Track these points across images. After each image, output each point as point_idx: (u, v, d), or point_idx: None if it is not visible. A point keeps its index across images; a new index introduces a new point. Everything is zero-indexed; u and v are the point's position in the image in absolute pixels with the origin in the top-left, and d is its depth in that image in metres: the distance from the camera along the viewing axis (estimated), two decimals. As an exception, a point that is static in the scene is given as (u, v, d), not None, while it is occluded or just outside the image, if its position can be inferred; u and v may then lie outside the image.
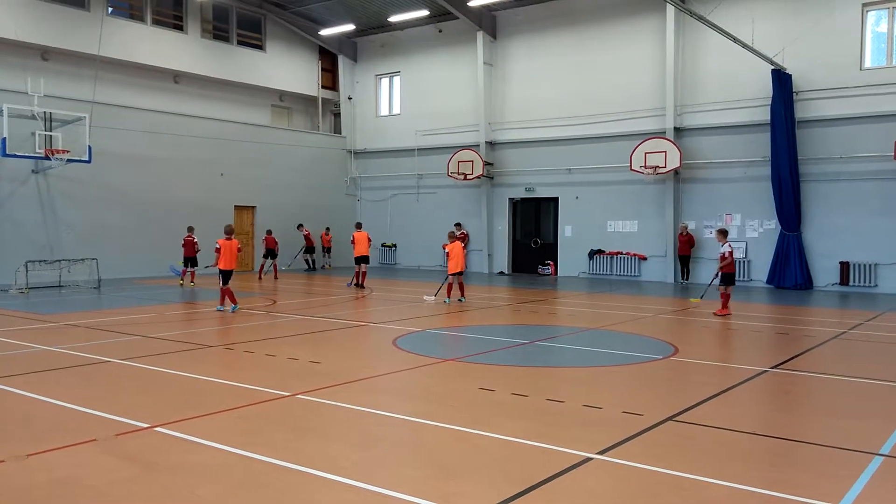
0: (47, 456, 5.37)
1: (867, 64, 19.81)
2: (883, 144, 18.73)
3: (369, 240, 20.42)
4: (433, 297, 16.48)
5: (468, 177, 25.90)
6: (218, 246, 14.19)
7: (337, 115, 31.16)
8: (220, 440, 5.75)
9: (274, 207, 26.36)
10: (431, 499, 4.59)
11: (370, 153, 29.86)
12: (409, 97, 28.75)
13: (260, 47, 28.23)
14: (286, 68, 29.03)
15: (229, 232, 14.56)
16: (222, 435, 5.91)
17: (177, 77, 25.69)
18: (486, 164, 25.85)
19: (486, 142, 26.14)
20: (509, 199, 26.30)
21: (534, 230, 26.45)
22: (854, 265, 19.67)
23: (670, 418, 6.58)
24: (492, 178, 26.23)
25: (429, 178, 27.87)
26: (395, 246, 29.14)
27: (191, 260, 20.12)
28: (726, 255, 14.09)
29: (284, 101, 29.74)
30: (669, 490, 4.87)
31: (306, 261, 26.67)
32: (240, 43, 27.50)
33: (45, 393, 7.36)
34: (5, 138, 17.81)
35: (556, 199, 25.20)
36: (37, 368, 8.73)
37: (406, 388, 8.25)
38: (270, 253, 23.41)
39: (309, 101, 30.50)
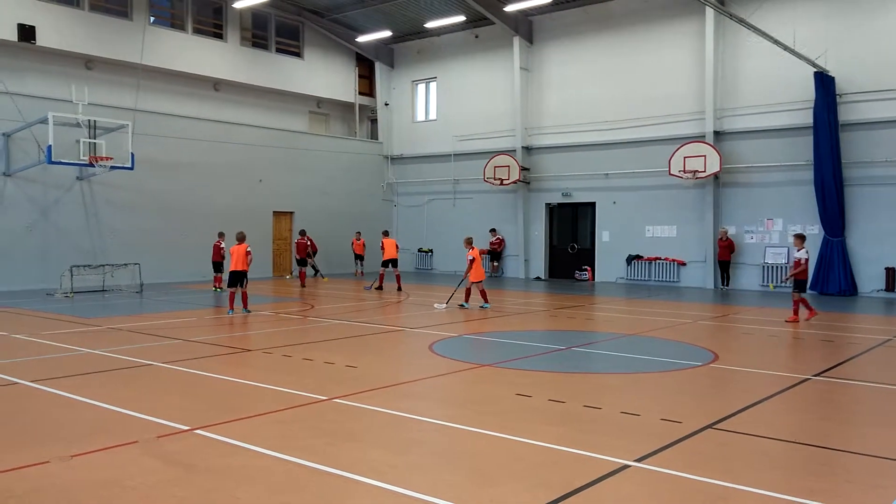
0: (91, 457, 5.51)
1: (914, 64, 19.28)
2: (932, 147, 18.22)
3: (397, 246, 21.75)
4: (444, 305, 16.18)
5: (504, 182, 25.85)
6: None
7: (374, 121, 31.41)
8: (259, 443, 5.82)
9: (312, 213, 26.65)
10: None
11: (406, 159, 30.02)
12: (446, 103, 28.84)
13: (298, 54, 28.61)
14: (324, 75, 29.37)
15: (240, 238, 15.19)
16: (261, 438, 5.99)
17: (217, 85, 26.17)
18: (523, 169, 25.79)
19: (523, 147, 26.07)
20: (546, 204, 26.18)
21: (571, 235, 26.28)
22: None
23: (710, 426, 6.48)
24: (528, 183, 26.15)
25: (465, 183, 27.90)
26: (431, 251, 29.22)
27: (217, 265, 20.43)
28: (802, 261, 13.71)
29: (322, 107, 30.07)
30: (707, 499, 4.80)
31: (312, 266, 24.21)
32: (278, 50, 27.91)
33: (89, 395, 7.55)
34: (51, 146, 18.33)
35: (593, 204, 25.01)
36: (81, 371, 8.96)
37: (443, 393, 8.26)
38: (301, 261, 22.64)
39: (346, 107, 30.79)
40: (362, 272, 25.84)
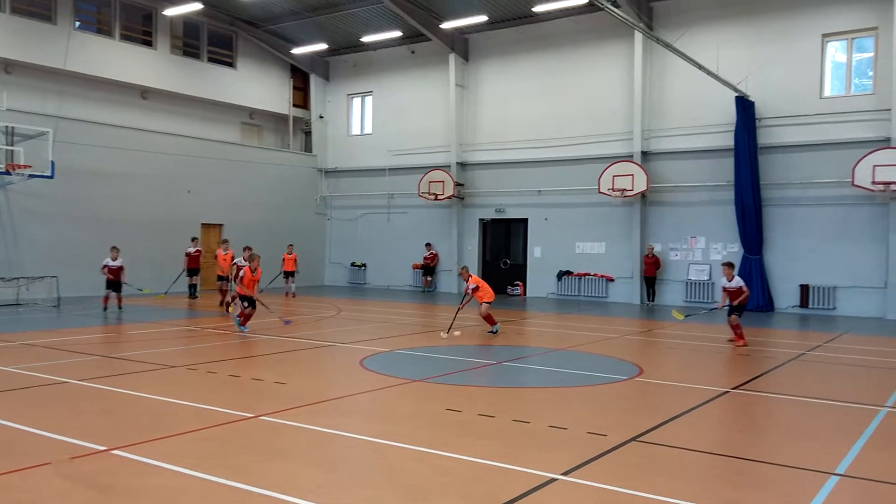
0: (0, 480, 5.22)
1: (826, 93, 20.39)
2: (841, 171, 19.24)
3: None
4: (445, 334, 13.93)
5: (439, 197, 25.98)
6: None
7: (308, 133, 31.10)
8: (181, 463, 5.64)
9: (242, 225, 26.09)
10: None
11: (341, 172, 29.82)
12: (381, 117, 28.84)
13: (231, 64, 28.13)
14: (257, 86, 28.95)
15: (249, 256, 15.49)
16: (183, 458, 5.80)
17: (144, 93, 25.45)
18: (457, 184, 25.98)
19: (458, 162, 26.29)
20: (479, 219, 26.43)
21: (504, 251, 26.59)
22: (813, 288, 20.10)
23: (634, 439, 6.63)
24: (462, 198, 26.36)
25: (400, 197, 27.90)
26: (364, 266, 29.05)
27: (192, 271, 21.64)
28: (744, 287, 13.25)
29: (255, 118, 29.61)
30: (631, 511, 4.91)
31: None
32: (210, 60, 27.38)
33: None
34: (-34, 152, 17.45)
35: (525, 220, 25.39)
36: (-8, 388, 8.49)
37: (372, 409, 8.20)
38: (221, 277, 19.43)
39: (280, 119, 30.41)
40: (294, 293, 22.80)
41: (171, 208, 24.28)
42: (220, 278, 19.33)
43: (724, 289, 13.41)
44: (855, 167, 18.80)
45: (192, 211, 24.94)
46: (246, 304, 14.19)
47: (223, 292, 18.92)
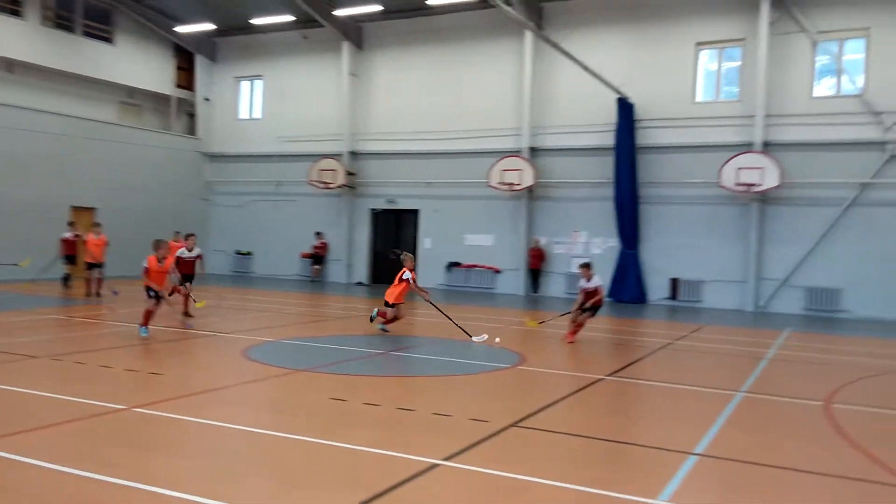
0: None
1: (699, 98, 21.74)
2: (711, 172, 20.59)
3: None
4: (483, 337, 12.49)
5: (330, 186, 25.68)
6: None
7: (192, 116, 29.86)
8: (48, 458, 5.34)
9: (118, 210, 24.71)
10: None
11: (228, 157, 28.85)
12: (271, 102, 28.12)
13: (109, 40, 26.54)
14: (137, 64, 27.47)
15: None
16: (49, 452, 5.50)
17: (11, 66, 23.61)
18: (349, 173, 25.77)
19: (349, 151, 26.06)
20: (370, 209, 26.35)
21: (394, 241, 26.64)
22: (683, 281, 21.46)
23: (514, 424, 6.88)
24: (354, 188, 26.18)
25: (289, 185, 27.34)
26: (250, 254, 28.30)
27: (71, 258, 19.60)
28: (601, 289, 12.79)
29: (134, 98, 28.10)
30: (509, 492, 5.13)
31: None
32: (86, 34, 25.72)
33: None
34: None
35: (416, 212, 25.55)
36: None
37: (254, 399, 8.06)
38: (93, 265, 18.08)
39: (161, 99, 29.00)
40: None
41: (41, 190, 22.68)
42: (91, 266, 18.01)
43: (583, 290, 12.73)
44: (721, 169, 20.18)
45: (61, 193, 23.40)
46: (153, 296, 11.54)
47: (90, 281, 17.77)
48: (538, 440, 6.52)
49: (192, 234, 15.17)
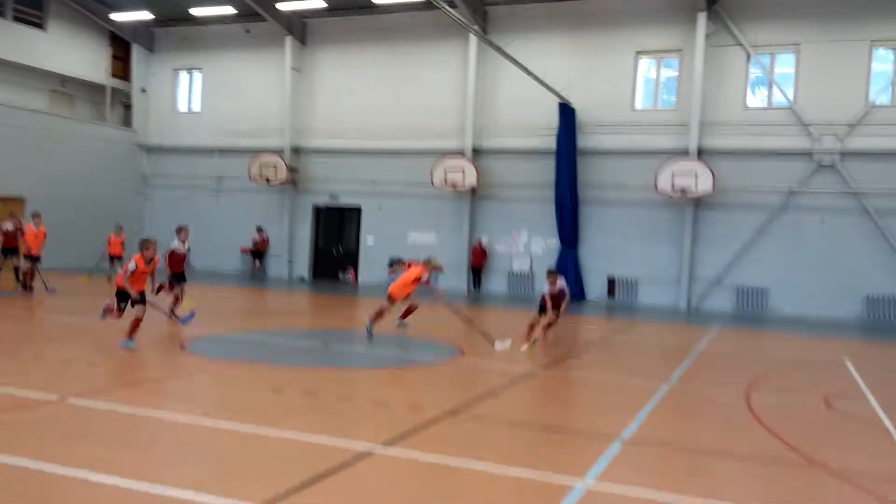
0: None
1: (638, 105, 22.39)
2: (648, 177, 21.22)
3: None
4: (507, 342, 11.62)
5: (271, 182, 25.42)
6: None
7: (128, 107, 29.08)
8: (-27, 446, 5.24)
9: (48, 201, 23.77)
10: (211, 493, 4.57)
11: (165, 150, 28.21)
12: (212, 95, 27.63)
13: (40, 26, 25.65)
14: (70, 51, 26.62)
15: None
16: (-24, 440, 5.39)
17: (-66, 48, 22.61)
18: (291, 169, 25.55)
19: (292, 147, 25.84)
20: (313, 205, 26.18)
21: (337, 238, 26.56)
22: (620, 280, 22.07)
23: (450, 413, 7.04)
24: (296, 184, 25.97)
25: (230, 180, 26.92)
26: (189, 249, 27.65)
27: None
28: (566, 291, 12.73)
29: (67, 87, 27.21)
30: (443, 476, 5.29)
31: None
32: (17, 19, 24.80)
33: None
34: None
35: (359, 209, 25.52)
36: None
37: (191, 390, 8.01)
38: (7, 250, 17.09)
39: (96, 89, 28.15)
40: (112, 275, 19.10)
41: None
42: (29, 258, 17.06)
43: (546, 295, 12.45)
44: (658, 174, 20.85)
45: (-11, 183, 22.52)
46: (124, 303, 10.01)
47: (26, 274, 16.94)
48: (473, 428, 6.70)
49: (185, 227, 14.19)
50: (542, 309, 12.40)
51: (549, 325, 12.54)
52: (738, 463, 6.06)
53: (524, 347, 11.42)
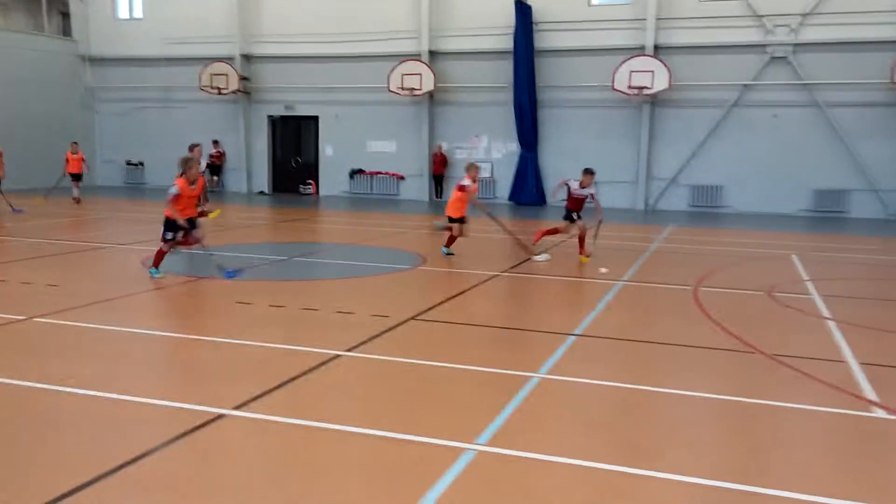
0: None
1: (594, 1, 21.98)
2: (605, 75, 21.13)
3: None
4: (546, 255, 11.69)
5: (223, 91, 24.69)
6: None
7: (66, 15, 27.57)
8: (-56, 368, 5.35)
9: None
10: (182, 400, 4.79)
11: (109, 61, 27.02)
12: (154, 0, 26.31)
13: (-39, -73, 23.87)
14: (-2, -44, 24.95)
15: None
16: (-54, 363, 5.50)
17: None
18: (243, 78, 24.80)
19: (242, 55, 24.98)
20: (268, 116, 25.62)
21: (295, 149, 26.18)
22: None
23: (414, 318, 7.32)
24: (249, 93, 25.28)
25: (179, 91, 26.05)
26: (141, 164, 27.12)
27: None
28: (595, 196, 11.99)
29: (-2, -6, 25.67)
30: (404, 372, 5.60)
31: None
32: (-67, -81, 23.02)
33: None
34: None
35: (316, 118, 25.07)
36: None
37: (157, 306, 8.13)
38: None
39: (30, -4, 26.61)
40: (79, 199, 19.25)
41: None
42: None
43: (577, 196, 11.72)
44: (615, 72, 20.77)
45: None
46: (173, 234, 9.13)
47: None
48: (436, 330, 6.99)
49: (198, 144, 13.82)
50: (571, 216, 11.53)
51: (582, 237, 11.58)
52: (683, 352, 6.48)
53: (540, 257, 11.14)
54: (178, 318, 7.45)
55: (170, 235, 9.11)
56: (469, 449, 4.16)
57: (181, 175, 9.19)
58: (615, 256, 12.28)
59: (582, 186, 11.69)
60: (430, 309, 7.76)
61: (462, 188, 11.39)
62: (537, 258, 11.20)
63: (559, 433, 4.53)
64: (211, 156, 25.53)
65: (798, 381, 5.64)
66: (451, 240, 11.64)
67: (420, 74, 22.58)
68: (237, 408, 4.70)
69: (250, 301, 7.95)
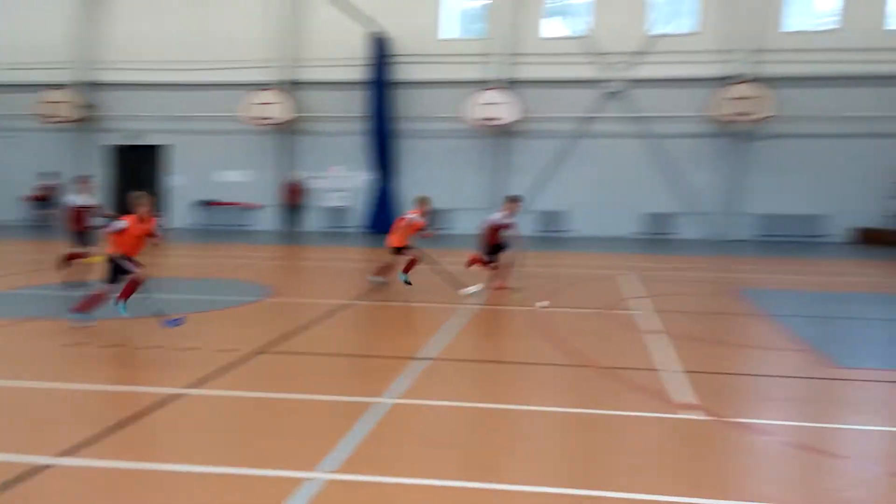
0: None
1: (446, 35, 22.75)
2: (458, 107, 21.84)
3: None
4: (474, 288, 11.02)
5: (62, 120, 23.07)
6: None
7: None
8: None
9: None
10: (8, 451, 4.40)
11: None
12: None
13: None
14: None
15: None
16: None
17: None
18: (85, 106, 23.33)
19: (85, 81, 23.55)
20: (111, 146, 24.22)
21: (136, 180, 24.81)
22: (437, 211, 22.76)
23: (261, 351, 7.13)
24: (91, 121, 23.80)
25: (9, 119, 24.05)
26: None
27: None
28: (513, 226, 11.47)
29: None
30: (249, 407, 5.46)
31: None
32: None
33: None
34: None
35: (164, 147, 23.99)
36: None
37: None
38: None
39: None
40: None
41: None
42: None
43: (498, 226, 11.29)
44: (466, 105, 21.53)
45: None
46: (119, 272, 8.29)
47: None
48: (285, 362, 6.86)
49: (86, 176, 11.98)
50: (496, 249, 11.16)
51: (497, 266, 11.21)
52: (527, 369, 6.75)
53: (470, 289, 10.63)
54: (2, 363, 6.82)
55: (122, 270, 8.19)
56: (315, 478, 4.11)
57: (134, 213, 8.26)
58: (464, 281, 12.60)
59: (505, 216, 11.26)
60: (279, 340, 7.60)
61: (408, 221, 11.11)
62: (468, 290, 10.69)
63: (410, 456, 4.57)
64: (40, 188, 23.68)
65: (630, 390, 6.04)
66: (409, 266, 11.32)
67: (276, 103, 22.28)
68: (62, 455, 4.36)
69: (83, 342, 7.42)
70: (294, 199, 23.00)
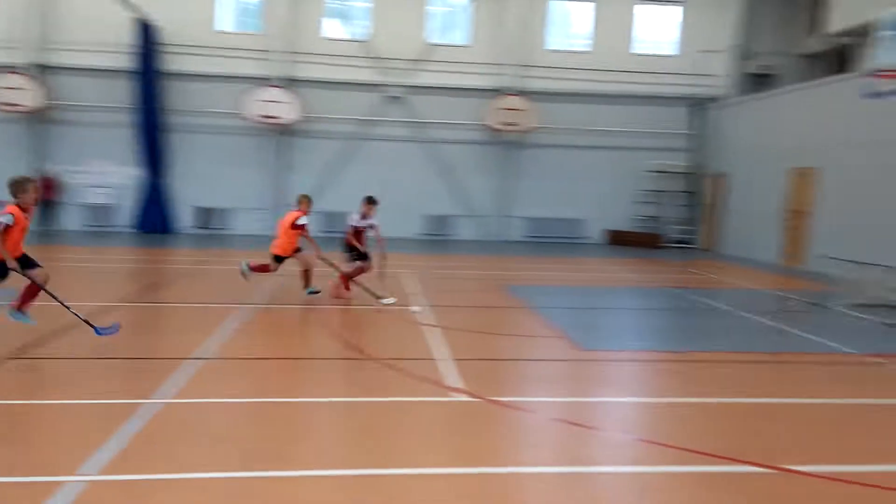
0: None
1: (218, 27, 21.88)
2: (234, 103, 21.13)
3: None
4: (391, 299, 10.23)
5: None
6: None
7: None
8: None
9: None
10: None
11: None
12: None
13: None
14: None
15: None
16: None
17: None
18: None
19: None
20: None
21: None
22: (212, 210, 21.89)
23: (12, 356, 6.47)
24: None
25: None
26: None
27: None
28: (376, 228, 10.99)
29: None
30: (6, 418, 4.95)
31: None
32: None
33: None
34: None
35: None
36: None
37: None
38: None
39: None
40: None
41: None
42: None
43: (358, 228, 10.80)
44: (245, 101, 20.93)
45: None
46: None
47: None
48: (44, 367, 6.29)
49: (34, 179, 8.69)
50: (358, 253, 10.59)
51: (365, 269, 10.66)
52: (309, 364, 6.84)
53: (387, 300, 9.96)
54: None
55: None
56: (77, 481, 3.88)
57: (15, 201, 7.09)
58: (238, 281, 12.36)
59: (363, 217, 10.78)
60: (34, 345, 6.92)
61: (296, 225, 10.18)
62: (384, 301, 10.03)
63: (185, 452, 4.47)
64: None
65: (404, 379, 6.37)
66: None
67: (23, 89, 19.96)
68: None
69: None
70: (48, 194, 20.76)
